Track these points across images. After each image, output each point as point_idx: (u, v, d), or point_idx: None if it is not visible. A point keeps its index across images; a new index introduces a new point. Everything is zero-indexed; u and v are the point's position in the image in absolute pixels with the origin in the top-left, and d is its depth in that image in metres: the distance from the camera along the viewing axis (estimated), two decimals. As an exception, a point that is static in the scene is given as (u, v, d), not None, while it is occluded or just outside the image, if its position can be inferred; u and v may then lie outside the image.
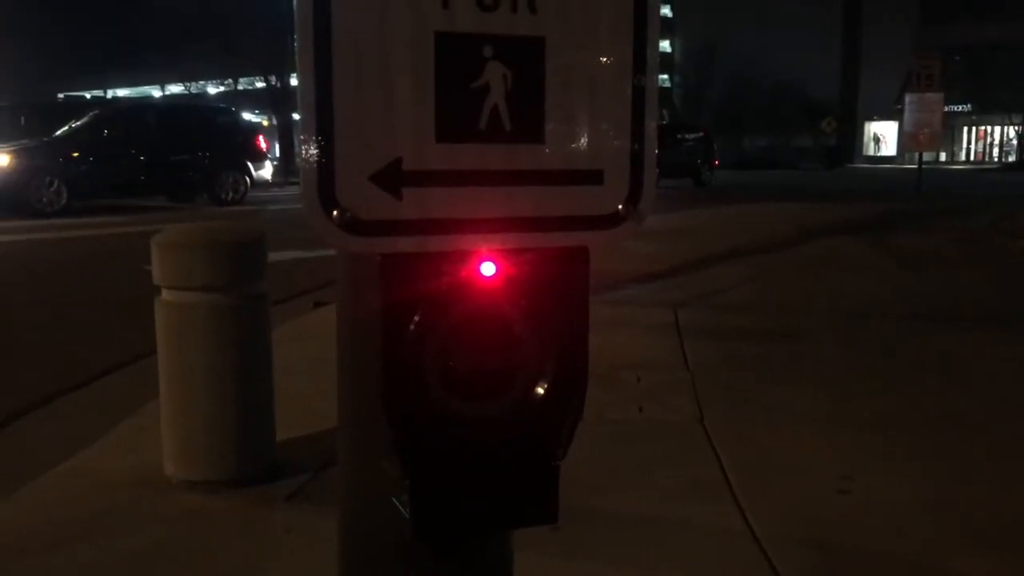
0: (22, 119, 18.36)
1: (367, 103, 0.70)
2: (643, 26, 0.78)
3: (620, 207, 0.80)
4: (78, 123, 15.09)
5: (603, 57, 0.77)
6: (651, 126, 0.80)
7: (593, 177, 0.79)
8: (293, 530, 2.44)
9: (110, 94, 52.01)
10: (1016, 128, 50.24)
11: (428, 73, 0.71)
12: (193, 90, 44.83)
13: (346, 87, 0.69)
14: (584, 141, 0.78)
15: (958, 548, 2.35)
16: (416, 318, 0.73)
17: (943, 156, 49.38)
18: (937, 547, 2.36)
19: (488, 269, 0.76)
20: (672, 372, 4.05)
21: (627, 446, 3.08)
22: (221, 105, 24.18)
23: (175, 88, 49.67)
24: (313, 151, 0.69)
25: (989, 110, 50.48)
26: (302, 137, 0.69)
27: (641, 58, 0.78)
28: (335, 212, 0.70)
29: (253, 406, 2.78)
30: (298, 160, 0.71)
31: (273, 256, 2.88)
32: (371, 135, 0.71)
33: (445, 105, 0.72)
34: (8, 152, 13.63)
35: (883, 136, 56.07)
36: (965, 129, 54.14)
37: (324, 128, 0.69)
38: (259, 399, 2.81)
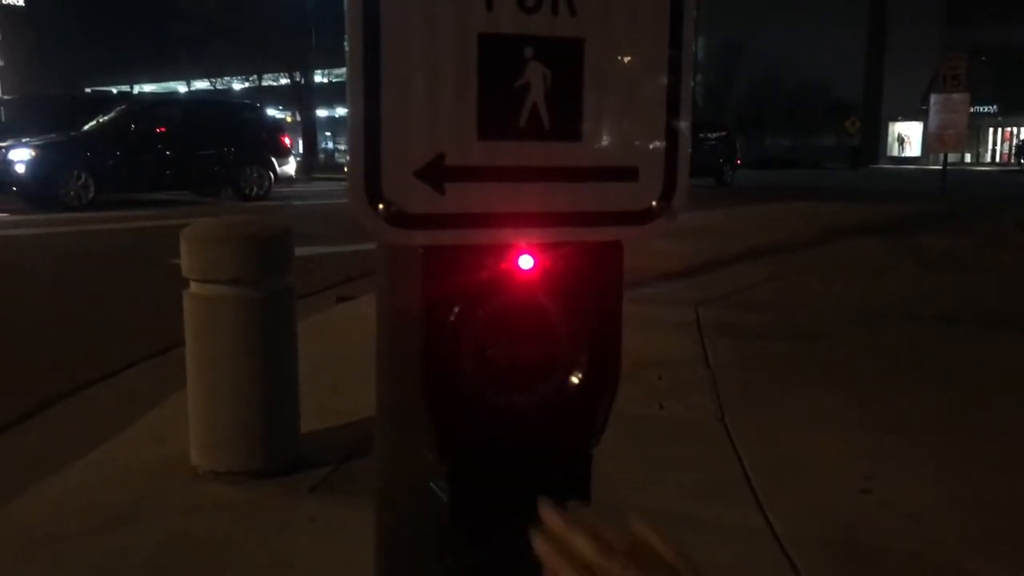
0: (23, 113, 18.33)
1: (413, 102, 0.73)
2: (679, 26, 0.80)
3: (654, 203, 0.82)
4: (105, 118, 15.25)
5: (639, 57, 0.79)
6: (684, 124, 0.82)
7: (628, 174, 0.81)
8: (317, 520, 2.48)
9: (136, 89, 52.49)
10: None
11: (471, 73, 0.74)
12: (218, 86, 45.13)
13: (393, 87, 0.72)
14: (619, 139, 0.80)
15: (980, 548, 2.35)
16: (456, 309, 0.76)
17: (968, 157, 48.91)
18: (958, 547, 2.35)
19: (526, 262, 0.78)
20: (693, 370, 4.05)
21: (648, 444, 3.09)
22: (246, 101, 24.32)
23: (200, 84, 50.01)
24: (361, 148, 0.72)
25: (1015, 111, 49.93)
26: (350, 134, 0.72)
27: (676, 58, 0.80)
28: (381, 206, 0.73)
29: (278, 398, 2.82)
30: (347, 155, 0.74)
31: (296, 251, 2.92)
32: (416, 132, 0.73)
33: (487, 104, 0.74)
34: (37, 146, 13.81)
35: (907, 137, 55.57)
36: (991, 130, 53.57)
37: (372, 126, 0.72)
38: (284, 391, 2.85)
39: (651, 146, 0.81)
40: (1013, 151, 50.01)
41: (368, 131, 0.71)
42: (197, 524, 2.47)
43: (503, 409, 0.72)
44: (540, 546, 0.70)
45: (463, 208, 0.76)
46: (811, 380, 3.96)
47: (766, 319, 5.29)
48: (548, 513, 0.72)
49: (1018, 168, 45.22)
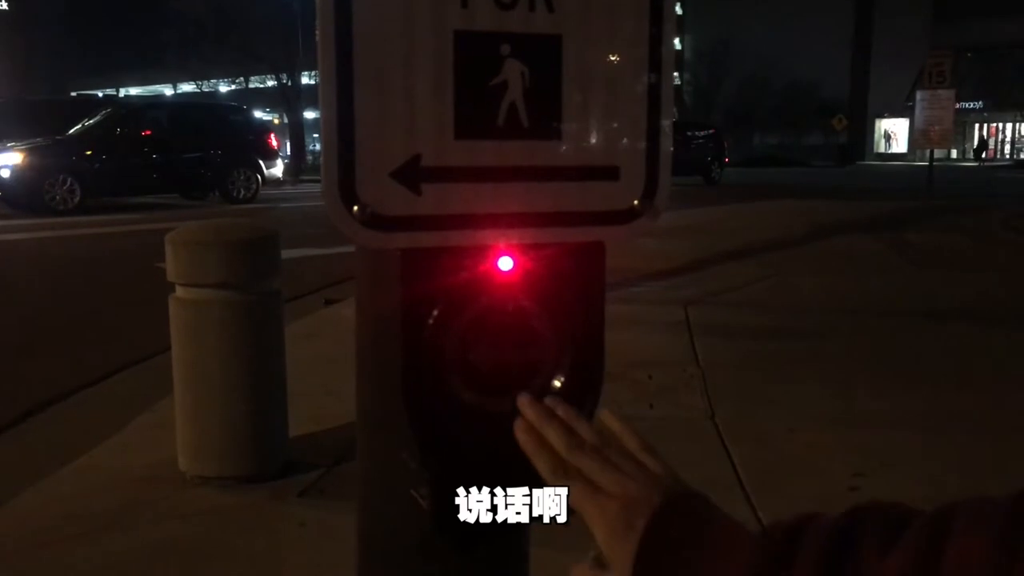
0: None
1: (387, 101, 0.71)
2: (659, 24, 0.79)
3: (636, 203, 0.81)
4: (91, 121, 15.18)
5: (619, 54, 0.78)
6: (666, 123, 0.81)
7: (609, 173, 0.80)
8: (307, 525, 2.46)
9: (122, 92, 52.32)
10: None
11: (447, 71, 0.72)
12: (205, 88, 44.99)
13: (367, 85, 0.70)
14: (600, 137, 0.79)
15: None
16: (435, 312, 0.74)
17: (954, 153, 49.20)
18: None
19: (506, 264, 0.77)
20: (683, 369, 4.05)
21: (638, 443, 3.08)
22: (233, 103, 24.24)
23: (187, 87, 49.87)
24: (334, 148, 0.70)
25: (1001, 107, 50.24)
26: (324, 135, 0.71)
27: (656, 55, 0.79)
28: (356, 208, 0.71)
29: (266, 402, 2.80)
30: (321, 157, 0.73)
31: (284, 254, 2.90)
32: (391, 132, 0.72)
33: (464, 102, 0.73)
34: (22, 150, 13.72)
35: (894, 133, 55.84)
36: (977, 126, 53.85)
37: (345, 126, 0.70)
38: (272, 395, 2.83)
39: (632, 145, 0.80)
40: (975, 145, 50.39)
41: (342, 132, 0.70)
42: (185, 530, 2.45)
43: (485, 414, 0.71)
44: (519, 434, 0.72)
45: (440, 210, 0.74)
46: (801, 377, 3.96)
47: (756, 317, 5.29)
48: (525, 404, 0.73)
49: (977, 163, 45.82)
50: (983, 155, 49.31)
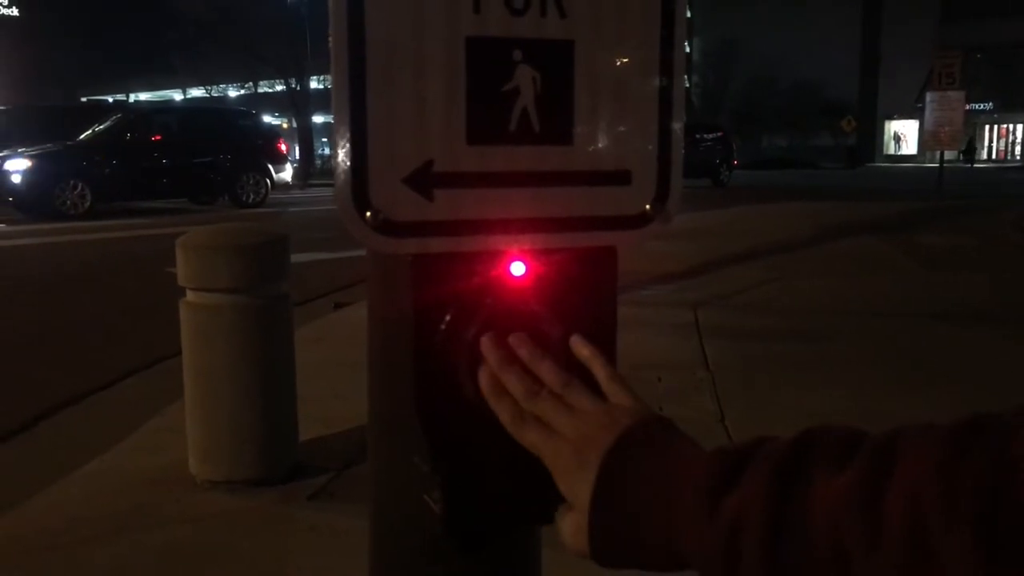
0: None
1: (400, 107, 0.71)
2: (670, 27, 0.79)
3: (648, 207, 0.81)
4: (101, 127, 15.26)
5: (630, 59, 0.78)
6: (678, 127, 0.81)
7: (621, 178, 0.79)
8: (316, 528, 2.46)
9: (132, 98, 52.56)
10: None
11: (459, 77, 0.72)
12: (214, 93, 45.18)
13: (379, 91, 0.70)
14: (612, 142, 0.78)
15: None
16: (447, 317, 0.75)
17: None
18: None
19: (518, 269, 0.77)
20: (692, 372, 4.04)
21: (648, 446, 3.07)
22: (242, 108, 24.32)
23: (196, 91, 50.08)
24: (347, 154, 0.71)
25: (1011, 108, 50.04)
26: (336, 140, 0.71)
27: (668, 59, 0.79)
28: (368, 213, 0.71)
29: (276, 406, 2.81)
30: (333, 162, 0.73)
31: (293, 258, 2.91)
32: (404, 138, 0.72)
33: (476, 108, 0.73)
34: (33, 156, 13.80)
35: (903, 135, 55.70)
36: (987, 127, 53.64)
37: (358, 131, 0.70)
38: (282, 399, 2.84)
39: (644, 149, 0.80)
40: (963, 147, 49.69)
41: (354, 137, 0.70)
42: (195, 533, 2.46)
43: (496, 419, 0.71)
44: (482, 380, 0.73)
45: (453, 215, 0.74)
46: (811, 380, 3.95)
47: (765, 320, 5.28)
48: (487, 347, 0.73)
49: (968, 166, 45.25)
50: (968, 157, 48.33)
